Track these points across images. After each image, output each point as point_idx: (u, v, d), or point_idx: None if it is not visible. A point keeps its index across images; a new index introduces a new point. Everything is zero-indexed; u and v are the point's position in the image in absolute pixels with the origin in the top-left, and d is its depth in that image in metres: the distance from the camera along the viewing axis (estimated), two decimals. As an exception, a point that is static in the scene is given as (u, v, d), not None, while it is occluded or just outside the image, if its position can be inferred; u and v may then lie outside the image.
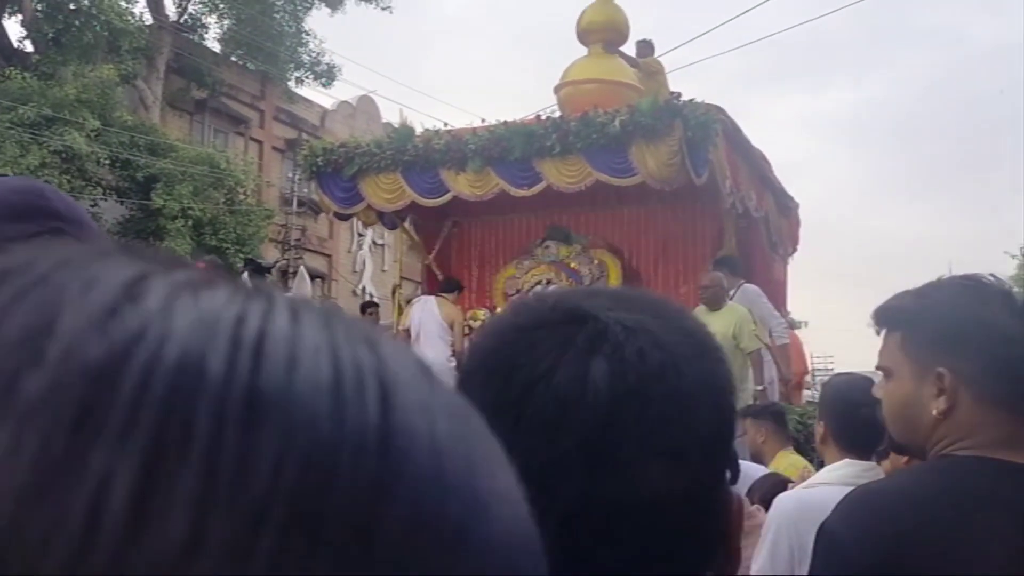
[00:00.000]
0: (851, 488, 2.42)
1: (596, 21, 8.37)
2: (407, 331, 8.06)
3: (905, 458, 3.46)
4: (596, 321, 0.66)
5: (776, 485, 3.24)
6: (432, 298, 8.04)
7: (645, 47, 8.57)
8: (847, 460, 2.43)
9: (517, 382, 0.65)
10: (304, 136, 23.43)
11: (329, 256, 24.12)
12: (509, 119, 7.25)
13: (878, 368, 1.42)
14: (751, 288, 7.03)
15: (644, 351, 0.64)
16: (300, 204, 22.39)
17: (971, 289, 1.31)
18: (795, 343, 7.68)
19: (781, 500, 2.59)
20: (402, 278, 10.32)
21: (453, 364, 7.73)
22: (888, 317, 1.38)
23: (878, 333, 1.39)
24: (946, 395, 1.26)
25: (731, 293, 6.71)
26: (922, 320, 1.32)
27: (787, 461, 4.43)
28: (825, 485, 2.45)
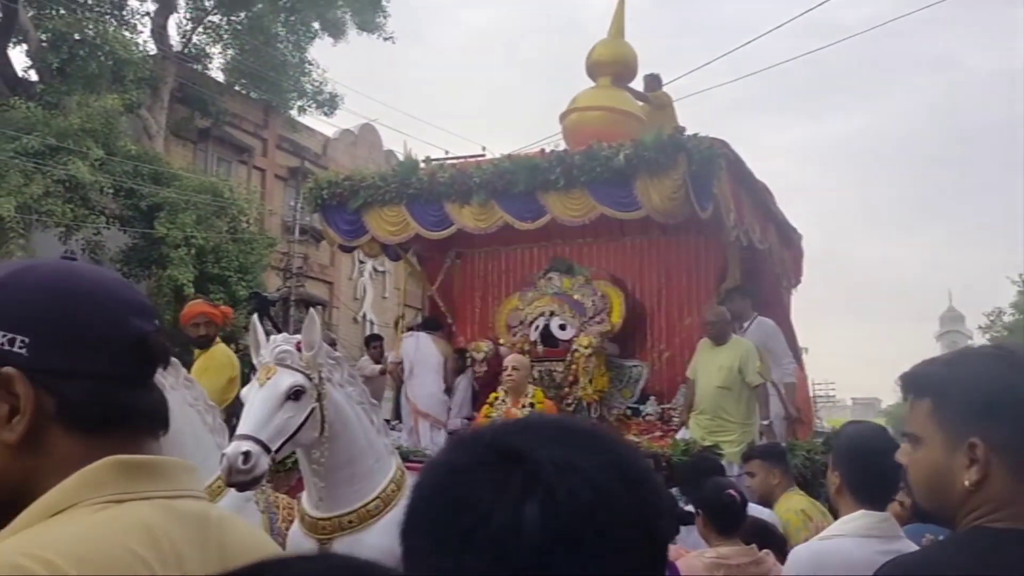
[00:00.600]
0: (867, 539, 2.40)
1: (606, 56, 8.42)
2: (399, 364, 8.09)
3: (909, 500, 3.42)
4: (529, 462, 0.70)
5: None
6: (424, 334, 8.16)
7: (653, 81, 8.61)
8: (862, 511, 2.40)
9: (457, 528, 0.69)
10: (307, 164, 23.56)
11: (330, 283, 24.15)
12: (508, 147, 7.36)
13: (905, 434, 1.40)
14: (769, 323, 7.01)
15: (575, 491, 0.68)
16: (302, 232, 22.44)
17: (1003, 358, 1.29)
18: (799, 379, 7.65)
19: (797, 552, 2.57)
20: (404, 306, 10.32)
21: (446, 398, 7.94)
22: (917, 383, 1.36)
23: (905, 399, 1.38)
24: (979, 466, 1.25)
25: (746, 325, 6.71)
26: (954, 388, 1.31)
27: (788, 504, 4.40)
28: (840, 537, 2.43)
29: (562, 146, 7.96)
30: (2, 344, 0.93)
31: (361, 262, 24.00)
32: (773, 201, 8.06)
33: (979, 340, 39.29)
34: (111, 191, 16.16)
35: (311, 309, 4.28)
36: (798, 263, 9.08)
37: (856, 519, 2.41)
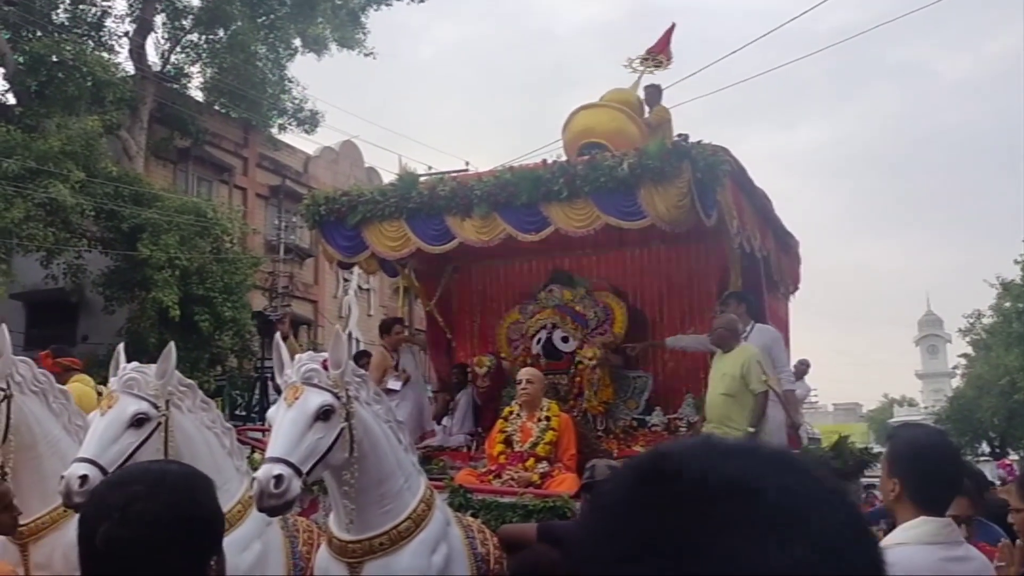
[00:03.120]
0: (930, 546, 2.34)
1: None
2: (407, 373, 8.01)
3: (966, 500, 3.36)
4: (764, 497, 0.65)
5: None
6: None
7: (654, 92, 8.54)
8: (923, 518, 2.35)
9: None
10: (288, 182, 23.41)
11: (315, 302, 23.97)
12: (490, 160, 7.26)
13: None
14: (770, 331, 6.97)
15: (816, 531, 0.64)
16: (287, 251, 22.26)
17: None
18: None
19: None
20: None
21: None
22: None
23: None
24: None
25: (745, 332, 6.65)
26: None
27: None
28: (903, 545, 2.36)
29: (544, 157, 7.87)
30: None
31: (346, 280, 23.83)
32: (771, 208, 8.05)
33: (958, 343, 39.70)
34: (92, 213, 15.96)
35: (336, 328, 4.19)
36: (795, 270, 9.07)
37: (917, 526, 2.35)
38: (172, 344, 3.90)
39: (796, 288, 9.21)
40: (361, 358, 10.28)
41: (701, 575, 0.59)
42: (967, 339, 35.58)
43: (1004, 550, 2.59)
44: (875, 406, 66.80)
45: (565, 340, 7.72)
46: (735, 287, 7.27)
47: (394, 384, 7.66)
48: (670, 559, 0.60)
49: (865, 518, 0.69)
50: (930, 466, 2.38)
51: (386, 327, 8.18)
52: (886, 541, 2.51)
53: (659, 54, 8.87)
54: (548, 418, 6.05)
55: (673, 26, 9.24)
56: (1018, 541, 2.61)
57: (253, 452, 5.60)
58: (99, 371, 6.86)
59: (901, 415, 57.80)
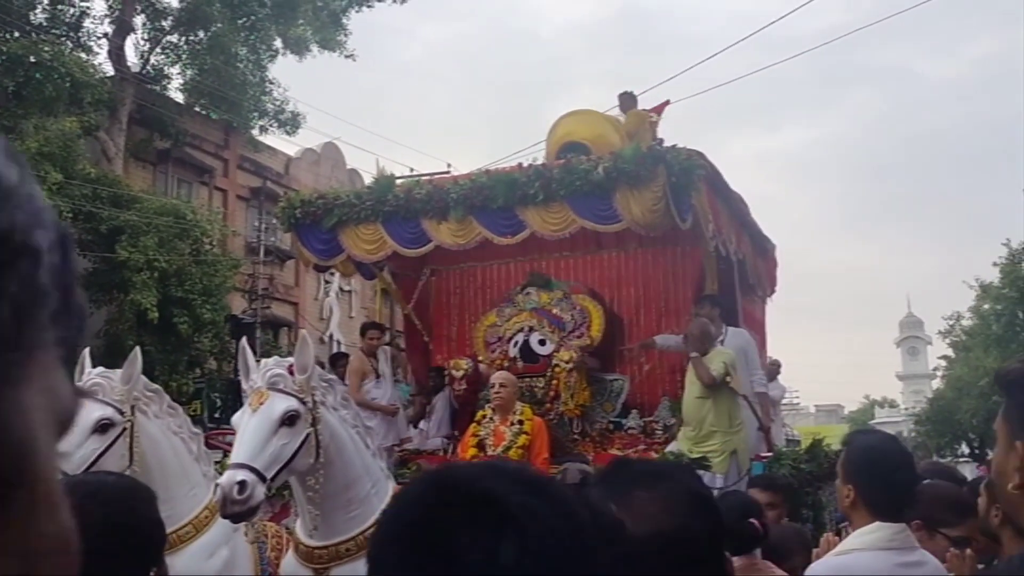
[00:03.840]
0: (885, 552, 2.35)
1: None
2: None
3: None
4: (501, 505, 0.77)
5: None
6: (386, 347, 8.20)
7: (628, 99, 8.57)
8: (878, 523, 2.35)
9: (432, 570, 0.75)
10: (269, 184, 23.30)
11: (296, 304, 23.86)
12: (471, 162, 7.28)
13: None
14: (744, 334, 7.01)
15: (543, 535, 0.76)
16: (267, 253, 22.16)
17: None
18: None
19: (813, 569, 2.51)
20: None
21: None
22: None
23: None
24: None
25: (720, 338, 6.67)
26: None
27: None
28: (858, 551, 2.38)
29: (524, 160, 7.90)
30: None
31: (327, 282, 23.75)
32: (748, 211, 8.10)
33: (939, 345, 39.99)
34: (70, 215, 15.81)
35: (303, 332, 4.18)
36: (772, 272, 9.13)
37: (873, 531, 2.35)
38: (137, 349, 3.87)
39: (773, 291, 9.28)
40: (339, 360, 10.27)
41: (444, 561, 0.75)
42: (947, 341, 35.84)
43: (953, 559, 2.61)
44: (856, 407, 67.20)
45: (542, 343, 7.72)
46: (711, 290, 7.30)
47: (375, 392, 7.65)
48: (425, 546, 0.76)
49: (593, 531, 0.83)
50: (884, 472, 2.39)
51: (362, 331, 8.17)
52: (841, 546, 2.52)
53: (652, 112, 8.87)
54: (521, 422, 6.05)
55: (667, 102, 9.27)
56: (967, 550, 2.63)
57: (225, 456, 5.57)
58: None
59: (882, 416, 58.22)
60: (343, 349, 20.32)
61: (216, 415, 17.02)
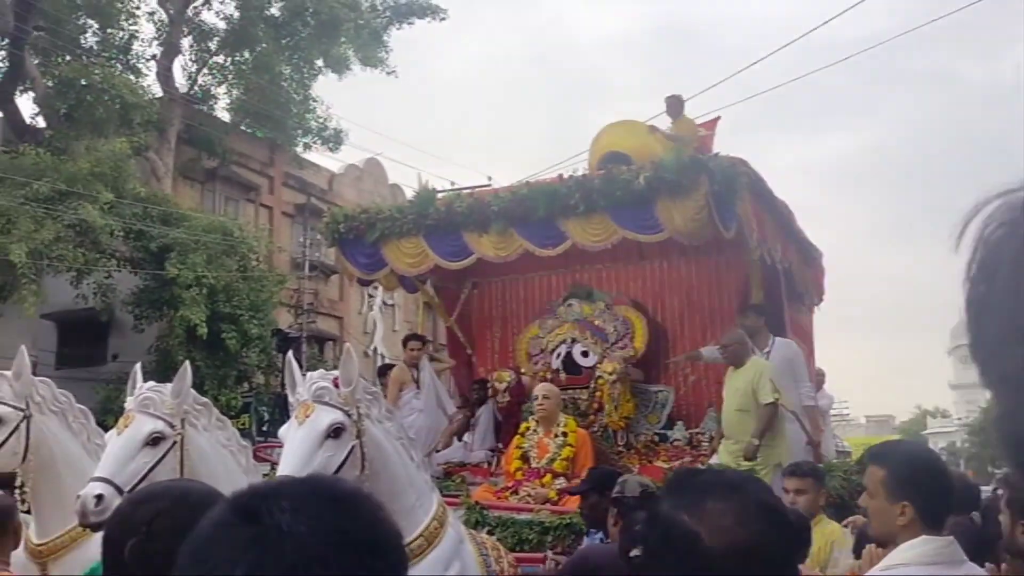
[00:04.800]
0: (933, 566, 2.23)
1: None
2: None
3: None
4: (262, 524, 0.82)
5: None
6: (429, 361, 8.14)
7: (675, 103, 8.44)
8: (924, 537, 2.20)
9: None
10: (313, 200, 23.60)
11: (340, 318, 24.09)
12: (512, 175, 7.27)
13: None
14: (791, 345, 6.87)
15: (288, 554, 0.80)
16: (312, 268, 22.42)
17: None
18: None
19: None
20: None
21: None
22: None
23: None
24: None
25: (767, 348, 6.57)
26: None
27: (823, 530, 4.25)
28: (904, 565, 2.23)
29: (564, 172, 7.87)
30: None
31: (370, 296, 23.94)
32: (793, 219, 7.98)
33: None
34: (121, 234, 16.19)
35: (347, 345, 4.19)
36: (819, 281, 8.97)
37: (919, 545, 2.20)
38: (187, 363, 3.93)
39: (820, 299, 9.11)
40: (386, 372, 10.33)
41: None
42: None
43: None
44: (908, 418, 65.83)
45: (585, 355, 7.69)
46: (756, 299, 7.20)
47: (415, 402, 7.67)
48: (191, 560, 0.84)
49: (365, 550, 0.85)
50: (935, 482, 2.28)
51: (404, 343, 8.22)
52: (886, 561, 2.30)
53: (703, 126, 8.85)
54: (565, 434, 6.02)
55: (719, 118, 9.28)
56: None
57: (272, 469, 5.62)
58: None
59: (935, 427, 56.94)
60: (387, 362, 20.44)
61: (264, 428, 17.20)
